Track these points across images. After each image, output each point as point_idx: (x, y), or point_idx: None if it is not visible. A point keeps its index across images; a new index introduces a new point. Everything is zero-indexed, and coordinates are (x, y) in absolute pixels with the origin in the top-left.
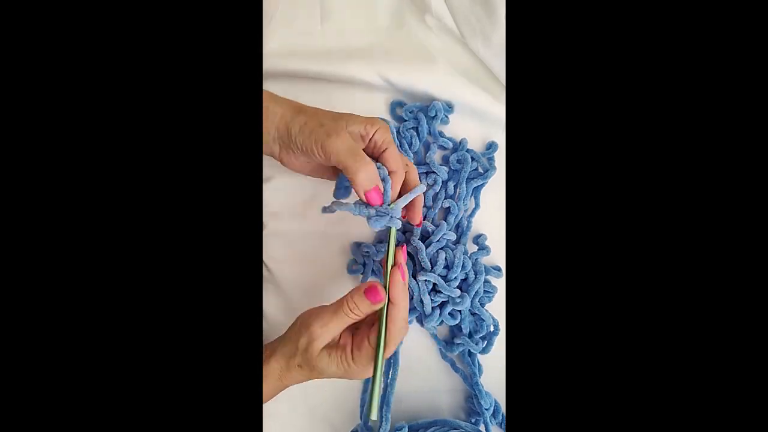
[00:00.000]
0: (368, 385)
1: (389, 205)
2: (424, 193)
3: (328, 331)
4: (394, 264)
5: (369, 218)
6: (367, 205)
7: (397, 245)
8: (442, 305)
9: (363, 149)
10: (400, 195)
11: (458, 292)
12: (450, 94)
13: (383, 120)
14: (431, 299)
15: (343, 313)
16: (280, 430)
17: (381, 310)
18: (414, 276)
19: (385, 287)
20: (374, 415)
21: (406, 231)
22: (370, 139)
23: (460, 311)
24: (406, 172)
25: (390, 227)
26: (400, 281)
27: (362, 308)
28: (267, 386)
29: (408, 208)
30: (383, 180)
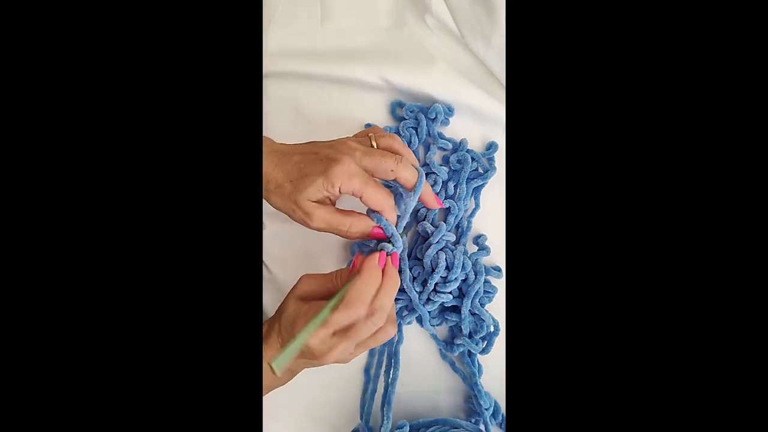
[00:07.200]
0: (368, 385)
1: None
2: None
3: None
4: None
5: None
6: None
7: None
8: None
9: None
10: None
11: (450, 297)
12: (450, 94)
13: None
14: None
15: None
16: (280, 430)
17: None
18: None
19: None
20: (278, 369)
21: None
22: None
23: (459, 311)
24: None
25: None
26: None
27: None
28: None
29: (422, 200)
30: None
